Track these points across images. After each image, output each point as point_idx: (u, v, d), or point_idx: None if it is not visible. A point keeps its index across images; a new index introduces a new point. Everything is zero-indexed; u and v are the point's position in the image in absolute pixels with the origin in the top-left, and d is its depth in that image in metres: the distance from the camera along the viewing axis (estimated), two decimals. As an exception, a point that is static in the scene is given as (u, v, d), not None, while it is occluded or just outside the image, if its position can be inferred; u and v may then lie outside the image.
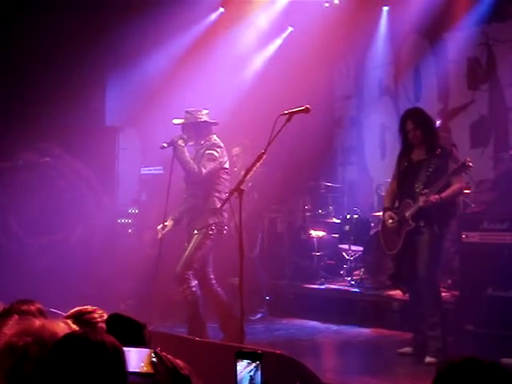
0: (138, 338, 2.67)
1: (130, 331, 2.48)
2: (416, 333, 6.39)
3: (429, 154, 6.19)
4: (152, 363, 2.30)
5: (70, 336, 2.18)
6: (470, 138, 9.05)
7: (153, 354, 2.32)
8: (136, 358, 2.34)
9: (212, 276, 6.85)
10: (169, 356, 2.31)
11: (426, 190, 6.04)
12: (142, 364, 2.34)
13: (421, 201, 6.04)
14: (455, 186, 6.08)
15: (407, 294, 6.57)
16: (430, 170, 6.13)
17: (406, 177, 6.31)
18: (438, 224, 6.14)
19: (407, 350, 6.39)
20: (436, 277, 6.31)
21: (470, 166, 6.02)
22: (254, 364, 2.22)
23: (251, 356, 2.23)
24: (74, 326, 2.73)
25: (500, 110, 8.95)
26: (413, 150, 6.32)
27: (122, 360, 2.14)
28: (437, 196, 6.00)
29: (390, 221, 6.30)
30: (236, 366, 2.21)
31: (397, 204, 6.38)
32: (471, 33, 9.04)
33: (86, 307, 3.02)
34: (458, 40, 9.17)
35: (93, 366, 2.06)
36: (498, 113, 8.98)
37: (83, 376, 2.04)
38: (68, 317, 2.92)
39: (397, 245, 6.26)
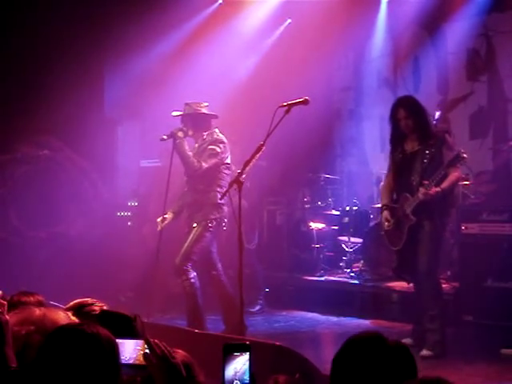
0: (129, 331, 2.68)
1: (120, 325, 2.49)
2: (416, 324, 6.39)
3: (422, 145, 6.11)
4: (144, 354, 2.28)
5: (65, 327, 2.18)
6: (469, 129, 9.04)
7: (145, 345, 2.30)
8: (130, 350, 2.34)
9: (220, 267, 6.87)
10: (162, 344, 2.29)
11: (425, 182, 5.97)
12: (137, 355, 2.33)
13: (420, 193, 5.95)
14: (453, 176, 5.99)
15: (410, 285, 6.57)
16: (425, 161, 6.05)
17: (401, 169, 6.23)
18: (439, 216, 6.10)
19: (407, 341, 6.38)
20: (437, 270, 6.27)
21: (465, 158, 5.93)
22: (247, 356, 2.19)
23: (242, 348, 2.20)
24: (74, 318, 2.74)
25: (499, 101, 8.94)
26: (405, 140, 6.23)
27: (115, 353, 2.14)
28: (438, 189, 5.92)
29: (387, 223, 6.25)
30: (225, 358, 2.17)
31: (395, 196, 6.35)
32: (470, 24, 9.01)
33: (86, 299, 3.03)
34: (458, 31, 9.14)
35: (87, 358, 2.06)
36: (497, 104, 8.97)
37: (77, 367, 2.04)
38: (68, 309, 2.93)
39: (401, 240, 6.19)
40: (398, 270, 6.56)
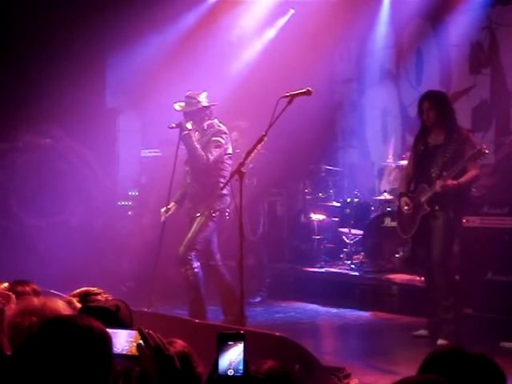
0: (114, 322, 2.67)
1: (103, 318, 2.48)
2: (431, 316, 6.41)
3: (446, 139, 6.17)
4: (138, 345, 2.26)
5: (58, 319, 2.17)
6: (471, 122, 9.01)
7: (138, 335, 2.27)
8: (123, 341, 2.32)
9: (219, 257, 6.88)
10: (156, 335, 2.27)
11: (444, 173, 6.04)
12: (129, 346, 2.32)
13: (437, 185, 6.04)
14: (471, 173, 6.10)
15: (411, 278, 6.61)
16: (447, 155, 6.13)
17: (422, 161, 6.32)
18: (453, 209, 6.17)
19: (422, 332, 6.41)
20: (449, 261, 6.35)
21: (486, 153, 6.03)
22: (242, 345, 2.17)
23: (236, 337, 2.17)
24: (79, 305, 2.74)
25: (501, 94, 8.91)
26: (429, 133, 6.31)
27: (108, 345, 2.12)
28: (454, 182, 6.01)
29: (406, 207, 6.32)
30: (219, 347, 2.15)
31: (412, 187, 6.40)
32: (474, 16, 8.97)
33: (92, 288, 3.03)
34: (461, 23, 9.10)
35: (79, 351, 2.04)
36: (499, 97, 8.94)
37: (68, 360, 2.02)
38: (74, 295, 2.93)
39: (412, 229, 6.29)
40: (409, 262, 6.60)
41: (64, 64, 8.81)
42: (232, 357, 2.13)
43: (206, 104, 6.75)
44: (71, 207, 9.14)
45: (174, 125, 6.63)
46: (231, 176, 5.47)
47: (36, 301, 2.48)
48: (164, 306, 7.20)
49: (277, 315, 7.72)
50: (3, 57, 8.82)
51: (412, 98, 9.27)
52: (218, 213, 6.69)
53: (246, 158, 5.30)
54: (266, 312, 7.83)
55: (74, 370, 2.02)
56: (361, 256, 8.64)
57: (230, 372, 2.12)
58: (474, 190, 7.69)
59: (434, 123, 6.24)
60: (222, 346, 2.13)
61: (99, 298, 2.98)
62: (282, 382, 2.66)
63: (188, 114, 6.72)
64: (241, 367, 2.12)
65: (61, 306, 2.50)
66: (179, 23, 9.67)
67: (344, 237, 8.94)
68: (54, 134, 9.13)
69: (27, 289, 3.05)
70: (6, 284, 3.03)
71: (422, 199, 6.20)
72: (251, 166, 7.38)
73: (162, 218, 6.77)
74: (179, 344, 2.64)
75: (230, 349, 2.13)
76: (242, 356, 2.13)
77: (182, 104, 6.77)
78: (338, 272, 8.65)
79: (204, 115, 6.76)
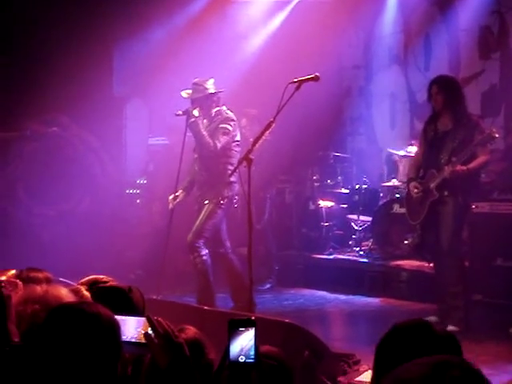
0: (126, 303, 2.67)
1: (116, 299, 2.46)
2: (440, 302, 6.40)
3: (455, 125, 6.15)
4: (145, 334, 2.24)
5: (65, 307, 2.16)
6: (480, 107, 8.96)
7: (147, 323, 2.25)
8: (132, 328, 2.31)
9: (228, 245, 6.88)
10: (165, 322, 2.25)
11: (453, 159, 6.02)
12: (138, 333, 2.30)
13: (446, 171, 6.03)
14: (481, 159, 6.08)
15: (420, 264, 6.60)
16: (456, 141, 6.11)
17: (431, 147, 6.30)
18: (462, 194, 6.15)
19: (431, 318, 6.38)
20: (459, 247, 6.34)
21: (496, 137, 6.01)
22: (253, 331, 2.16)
23: (247, 323, 2.15)
24: (86, 293, 2.72)
25: (511, 79, 8.85)
26: (439, 118, 6.28)
27: (116, 332, 2.11)
28: (463, 167, 5.99)
29: (416, 190, 6.32)
30: (230, 334, 2.13)
31: (421, 173, 6.38)
32: (483, 0, 8.90)
33: (100, 276, 3.01)
34: (470, 8, 9.02)
35: (86, 338, 2.02)
36: (509, 82, 8.88)
37: (76, 347, 2.01)
38: (82, 283, 2.92)
39: (420, 215, 6.28)
40: (418, 248, 6.59)
41: (71, 53, 8.79)
42: (243, 343, 2.12)
43: (213, 91, 6.72)
44: (78, 195, 9.15)
45: (180, 112, 6.62)
46: (239, 163, 5.45)
47: (39, 288, 2.48)
48: (173, 294, 7.21)
49: (286, 302, 7.73)
50: (9, 46, 8.80)
51: (420, 83, 9.20)
52: (226, 200, 6.68)
53: (253, 145, 5.28)
54: (275, 299, 7.83)
55: (82, 356, 2.01)
56: (369, 243, 8.63)
57: (241, 358, 2.11)
58: (483, 175, 7.66)
59: (442, 108, 6.21)
60: (232, 332, 2.12)
61: (107, 286, 2.96)
62: (276, 367, 2.65)
63: (195, 101, 6.70)
64: (252, 353, 2.11)
65: (64, 293, 2.49)
66: (186, 11, 9.63)
67: (353, 223, 8.92)
68: (61, 122, 9.13)
69: (40, 276, 3.05)
70: (13, 271, 3.02)
71: (431, 185, 6.19)
72: (259, 153, 7.37)
73: (170, 206, 6.77)
74: (191, 331, 2.63)
75: (240, 335, 2.12)
76: (253, 342, 2.12)
77: (189, 91, 6.75)
78: (346, 259, 8.64)
79: (211, 102, 6.73)
